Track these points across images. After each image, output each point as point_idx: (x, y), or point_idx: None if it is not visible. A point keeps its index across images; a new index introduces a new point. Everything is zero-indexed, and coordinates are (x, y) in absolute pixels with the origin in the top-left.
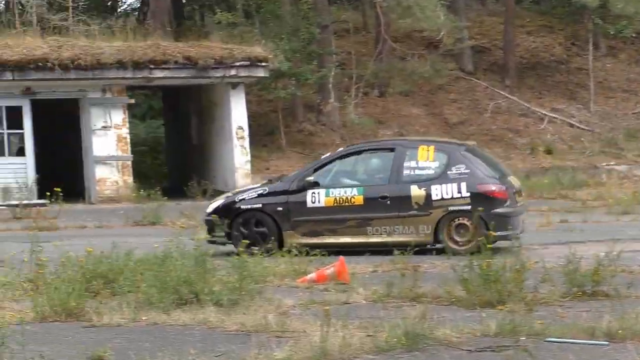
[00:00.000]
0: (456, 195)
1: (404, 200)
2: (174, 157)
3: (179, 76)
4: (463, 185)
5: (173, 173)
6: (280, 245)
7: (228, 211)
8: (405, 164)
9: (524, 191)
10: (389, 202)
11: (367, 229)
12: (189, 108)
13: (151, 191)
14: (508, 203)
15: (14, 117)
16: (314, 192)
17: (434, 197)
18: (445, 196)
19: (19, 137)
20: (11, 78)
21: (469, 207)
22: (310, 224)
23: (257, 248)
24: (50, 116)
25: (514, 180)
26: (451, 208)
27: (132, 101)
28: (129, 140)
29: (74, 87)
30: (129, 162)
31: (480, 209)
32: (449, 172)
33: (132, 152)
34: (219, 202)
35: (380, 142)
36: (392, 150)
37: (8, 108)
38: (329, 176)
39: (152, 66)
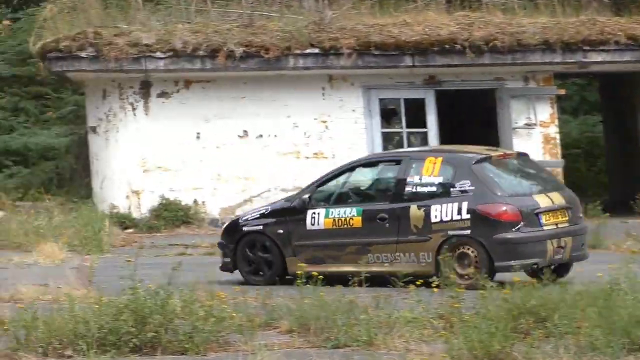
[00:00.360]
0: (456, 217)
1: (403, 223)
2: (616, 163)
3: (621, 60)
4: (464, 204)
5: (615, 183)
6: (284, 273)
7: (233, 233)
8: (409, 179)
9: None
10: (387, 224)
11: (368, 256)
12: (633, 101)
13: (588, 206)
14: (520, 226)
15: (415, 113)
16: (314, 213)
17: (432, 219)
18: (444, 218)
19: (421, 137)
20: (411, 64)
21: (468, 232)
22: (311, 249)
23: (259, 277)
24: (456, 111)
25: (546, 198)
26: (450, 232)
27: (562, 92)
28: (558, 141)
29: (488, 74)
30: (560, 169)
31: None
32: (451, 190)
33: (563, 156)
34: (227, 222)
35: (389, 153)
36: (398, 162)
37: (407, 101)
38: (333, 193)
39: (586, 48)
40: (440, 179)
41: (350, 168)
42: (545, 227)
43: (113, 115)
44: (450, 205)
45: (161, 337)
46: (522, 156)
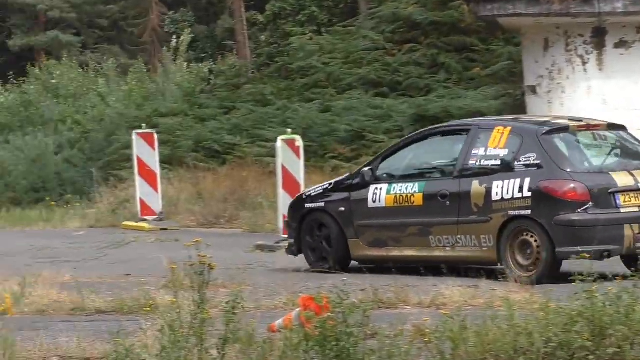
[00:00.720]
0: (517, 194)
1: (464, 201)
2: None
3: None
4: (527, 181)
5: None
6: (346, 258)
7: (297, 211)
8: (474, 152)
9: None
10: (448, 202)
11: (429, 239)
12: None
13: None
14: (588, 207)
15: None
16: (376, 188)
17: (493, 197)
18: (505, 196)
19: None
20: None
21: (528, 212)
22: (374, 230)
23: (322, 263)
24: None
25: (628, 177)
26: (511, 213)
27: None
28: None
29: None
30: None
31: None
32: (516, 163)
33: None
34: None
35: (460, 122)
36: (466, 132)
37: None
38: (398, 166)
39: None
40: (505, 152)
41: (421, 137)
42: (622, 210)
43: (557, 72)
44: (512, 181)
45: (625, 353)
46: (615, 128)
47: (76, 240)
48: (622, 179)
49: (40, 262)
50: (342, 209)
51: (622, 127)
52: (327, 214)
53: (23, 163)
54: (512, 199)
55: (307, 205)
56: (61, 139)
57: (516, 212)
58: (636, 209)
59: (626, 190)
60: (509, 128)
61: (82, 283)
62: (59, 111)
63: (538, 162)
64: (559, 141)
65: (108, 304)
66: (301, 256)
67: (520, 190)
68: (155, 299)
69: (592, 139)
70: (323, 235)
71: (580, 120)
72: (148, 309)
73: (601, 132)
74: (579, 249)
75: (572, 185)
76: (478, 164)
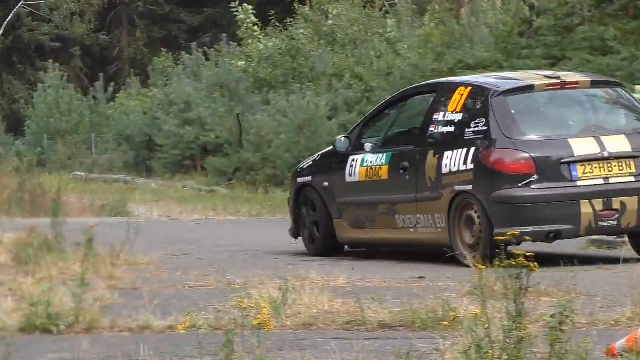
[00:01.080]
0: (462, 167)
1: (420, 174)
2: None
3: None
4: (472, 151)
5: None
6: (331, 239)
7: (293, 186)
8: (434, 117)
9: None
10: (407, 176)
11: (396, 219)
12: None
13: None
14: (531, 180)
15: None
16: (353, 160)
17: (443, 170)
18: (452, 169)
19: None
20: None
21: (470, 187)
22: (353, 208)
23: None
24: None
25: (591, 143)
26: (457, 188)
27: None
28: None
29: None
30: None
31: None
32: (466, 130)
33: None
34: None
35: (431, 83)
36: (433, 94)
37: None
38: (374, 135)
39: None
40: (460, 117)
41: (397, 99)
42: (580, 183)
43: None
44: (460, 151)
45: None
46: (603, 85)
47: None
48: (583, 147)
49: (307, 261)
50: (326, 184)
51: (612, 84)
52: (314, 190)
53: (287, 130)
54: (458, 171)
55: (298, 180)
56: (336, 98)
57: (461, 187)
58: (600, 182)
59: (586, 160)
60: (469, 89)
61: (361, 288)
62: (334, 62)
63: (485, 128)
64: (515, 103)
65: (395, 316)
66: None
67: (465, 162)
68: (456, 310)
69: (565, 99)
70: (311, 213)
71: (557, 77)
72: (447, 323)
73: (582, 91)
74: (520, 230)
75: (514, 156)
76: (436, 131)
